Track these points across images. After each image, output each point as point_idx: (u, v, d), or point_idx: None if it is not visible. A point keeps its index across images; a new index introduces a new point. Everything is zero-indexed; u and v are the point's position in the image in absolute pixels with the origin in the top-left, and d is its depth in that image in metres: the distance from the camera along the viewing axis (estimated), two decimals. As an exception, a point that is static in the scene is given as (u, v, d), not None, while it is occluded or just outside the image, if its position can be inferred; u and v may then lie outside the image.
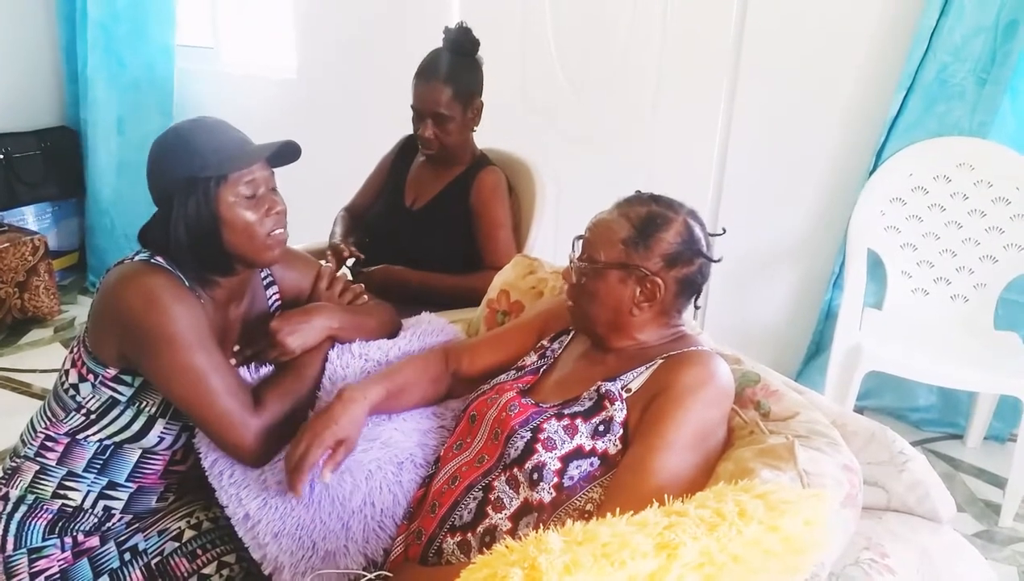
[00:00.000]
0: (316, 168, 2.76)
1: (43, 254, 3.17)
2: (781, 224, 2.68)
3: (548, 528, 0.80)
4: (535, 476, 1.07)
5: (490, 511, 1.09)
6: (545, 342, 1.34)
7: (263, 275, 1.42)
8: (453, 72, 1.89)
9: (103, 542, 1.28)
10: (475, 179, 1.97)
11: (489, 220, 1.95)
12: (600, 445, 1.09)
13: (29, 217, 3.53)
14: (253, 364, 1.32)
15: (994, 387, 2.26)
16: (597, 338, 1.23)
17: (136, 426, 1.24)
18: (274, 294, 1.43)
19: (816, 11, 2.44)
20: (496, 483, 1.11)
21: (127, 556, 1.27)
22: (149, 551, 1.28)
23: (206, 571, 1.28)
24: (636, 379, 1.14)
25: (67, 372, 1.25)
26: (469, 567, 0.76)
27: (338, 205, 2.19)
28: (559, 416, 1.12)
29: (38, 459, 1.26)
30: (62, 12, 3.52)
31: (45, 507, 1.26)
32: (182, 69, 3.48)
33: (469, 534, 1.09)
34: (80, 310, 3.40)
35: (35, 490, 1.26)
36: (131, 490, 1.29)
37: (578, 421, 1.11)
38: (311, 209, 2.27)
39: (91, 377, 1.22)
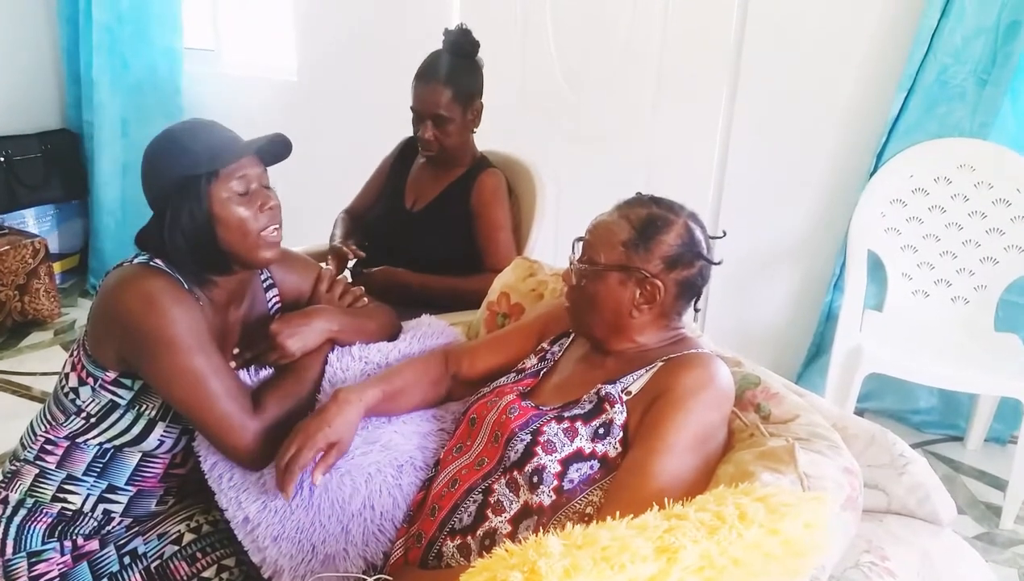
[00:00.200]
0: (316, 170, 2.77)
1: (43, 257, 3.17)
2: (781, 225, 2.68)
3: (548, 531, 0.80)
4: (535, 479, 1.07)
5: (490, 514, 1.09)
6: (545, 345, 1.34)
7: (263, 278, 1.42)
8: (453, 74, 1.89)
9: (103, 546, 1.27)
10: (475, 181, 1.97)
11: (489, 222, 1.95)
12: (600, 448, 1.09)
13: (29, 220, 3.53)
14: (253, 367, 1.32)
15: (994, 389, 2.26)
16: (596, 341, 1.23)
17: (136, 429, 1.24)
18: (274, 297, 1.43)
19: (816, 12, 2.44)
20: (496, 486, 1.11)
21: (127, 560, 1.27)
22: (149, 555, 1.28)
23: (206, 575, 1.28)
24: (636, 382, 1.14)
25: (67, 375, 1.25)
26: (469, 571, 0.76)
27: (338, 207, 2.19)
28: (559, 419, 1.12)
29: (38, 462, 1.26)
30: (63, 14, 3.52)
31: (45, 511, 1.26)
32: (183, 71, 3.48)
33: (469, 537, 1.09)
34: (81, 313, 3.40)
35: (35, 494, 1.26)
36: (131, 493, 1.28)
37: (578, 424, 1.10)
38: (311, 210, 2.28)
39: (91, 380, 1.22)
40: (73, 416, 1.24)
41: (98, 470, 1.26)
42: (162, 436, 1.26)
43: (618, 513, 0.83)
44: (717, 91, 2.63)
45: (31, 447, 1.27)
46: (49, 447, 1.26)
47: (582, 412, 1.12)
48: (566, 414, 1.13)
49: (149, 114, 3.46)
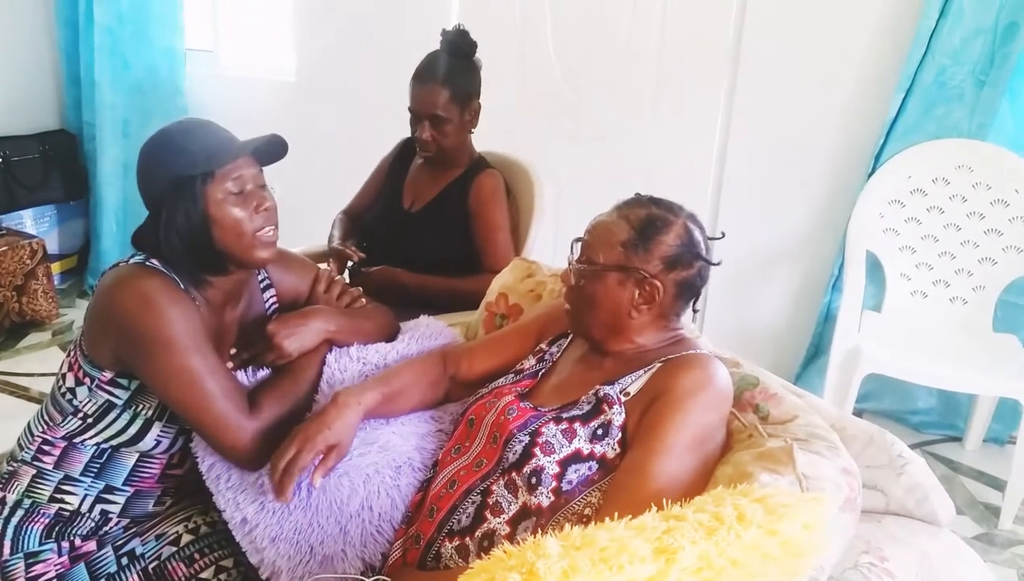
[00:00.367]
0: (315, 170, 2.77)
1: (41, 258, 3.17)
2: (780, 226, 2.68)
3: (546, 532, 0.79)
4: (533, 480, 1.06)
5: (488, 515, 1.08)
6: (543, 345, 1.34)
7: (260, 278, 1.42)
8: (450, 74, 1.89)
9: (100, 546, 1.27)
10: (473, 182, 1.96)
11: (487, 223, 1.95)
12: (599, 449, 1.08)
13: (27, 221, 3.52)
14: (250, 367, 1.32)
15: (993, 389, 2.26)
16: (595, 342, 1.23)
17: (133, 430, 1.24)
18: (271, 297, 1.43)
19: (815, 13, 2.44)
20: (494, 487, 1.11)
21: (124, 560, 1.27)
22: (146, 555, 1.27)
23: (204, 576, 1.28)
24: (634, 383, 1.13)
25: (64, 376, 1.25)
26: (467, 572, 0.75)
27: (337, 207, 2.19)
28: (557, 420, 1.12)
29: (35, 463, 1.26)
30: (62, 15, 3.52)
31: (42, 511, 1.26)
32: (184, 72, 3.48)
33: (467, 538, 1.09)
34: (79, 313, 3.39)
35: (32, 494, 1.26)
36: (128, 494, 1.28)
37: (576, 425, 1.10)
38: (310, 211, 2.28)
39: (88, 381, 1.22)
40: (70, 416, 1.24)
41: (95, 470, 1.26)
42: (159, 436, 1.25)
43: (616, 514, 0.83)
44: (716, 92, 2.64)
45: (28, 447, 1.27)
46: (46, 447, 1.26)
47: (580, 413, 1.12)
48: (564, 415, 1.13)
49: (150, 114, 3.46)
